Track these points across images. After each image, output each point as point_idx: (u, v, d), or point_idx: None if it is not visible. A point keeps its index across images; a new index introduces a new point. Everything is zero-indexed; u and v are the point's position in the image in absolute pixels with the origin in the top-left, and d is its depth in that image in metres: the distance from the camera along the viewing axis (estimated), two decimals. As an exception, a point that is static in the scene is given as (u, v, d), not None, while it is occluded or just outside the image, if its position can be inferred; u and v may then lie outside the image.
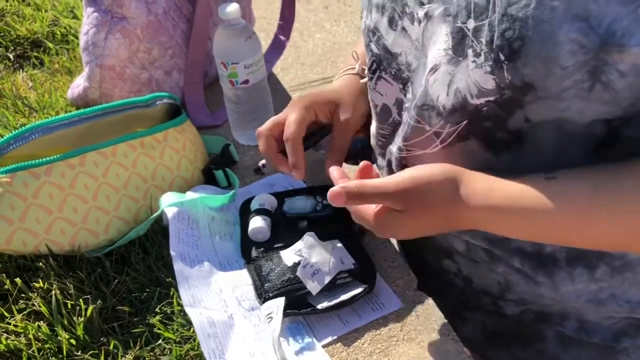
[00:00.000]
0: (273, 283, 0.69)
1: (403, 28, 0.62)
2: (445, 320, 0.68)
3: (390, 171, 0.70)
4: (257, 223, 0.77)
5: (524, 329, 0.71)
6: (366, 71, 0.70)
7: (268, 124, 0.75)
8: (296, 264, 0.69)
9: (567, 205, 0.52)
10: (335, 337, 0.67)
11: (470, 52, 0.52)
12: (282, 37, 1.15)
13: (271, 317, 0.65)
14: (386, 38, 0.64)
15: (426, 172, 0.57)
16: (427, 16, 0.57)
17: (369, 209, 0.61)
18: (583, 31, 0.45)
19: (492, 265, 0.67)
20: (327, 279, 0.68)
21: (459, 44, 0.53)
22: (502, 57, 0.50)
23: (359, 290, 0.68)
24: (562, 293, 0.64)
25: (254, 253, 0.75)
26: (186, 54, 1.01)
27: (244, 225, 0.79)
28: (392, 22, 0.63)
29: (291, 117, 0.73)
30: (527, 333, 0.71)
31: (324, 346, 0.66)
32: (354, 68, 0.80)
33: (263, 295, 0.69)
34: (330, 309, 0.67)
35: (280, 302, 0.66)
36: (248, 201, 0.82)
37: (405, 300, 0.70)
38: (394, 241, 0.82)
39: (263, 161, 0.78)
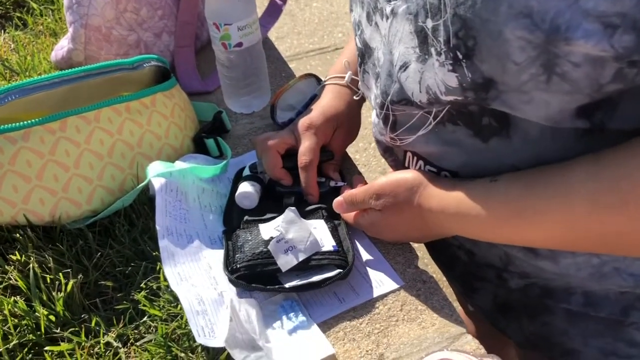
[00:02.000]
0: (244, 254, 0.65)
1: (376, 23, 0.63)
2: (448, 300, 0.65)
3: (394, 159, 0.72)
4: (245, 188, 0.73)
5: (530, 302, 0.70)
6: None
7: (276, 140, 0.75)
8: (272, 238, 0.66)
9: (502, 205, 0.55)
10: (331, 316, 0.63)
11: (433, 50, 0.53)
12: (278, 1, 1.10)
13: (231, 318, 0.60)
14: (365, 32, 0.66)
15: (399, 175, 0.65)
16: (393, 13, 0.58)
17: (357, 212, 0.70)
18: (528, 28, 0.45)
19: None
20: (300, 257, 0.64)
21: (424, 43, 0.54)
22: (460, 56, 0.50)
23: (332, 274, 0.64)
24: (562, 266, 0.63)
25: (235, 222, 0.72)
26: (176, 15, 0.95)
27: (234, 191, 0.75)
28: (369, 17, 0.65)
29: (306, 145, 0.74)
30: (533, 307, 0.70)
31: (319, 325, 0.62)
32: (343, 77, 0.81)
33: (230, 265, 0.65)
34: (298, 288, 0.63)
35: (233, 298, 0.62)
36: (243, 169, 0.78)
37: (406, 279, 0.67)
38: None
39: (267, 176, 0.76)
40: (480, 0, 0.46)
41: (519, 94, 0.50)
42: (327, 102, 0.79)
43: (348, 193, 0.69)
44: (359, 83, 0.73)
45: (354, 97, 0.80)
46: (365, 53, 0.68)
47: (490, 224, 0.57)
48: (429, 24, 0.52)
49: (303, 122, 0.76)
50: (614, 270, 0.61)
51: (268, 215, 0.71)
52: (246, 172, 0.77)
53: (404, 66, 0.58)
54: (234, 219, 0.73)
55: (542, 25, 0.44)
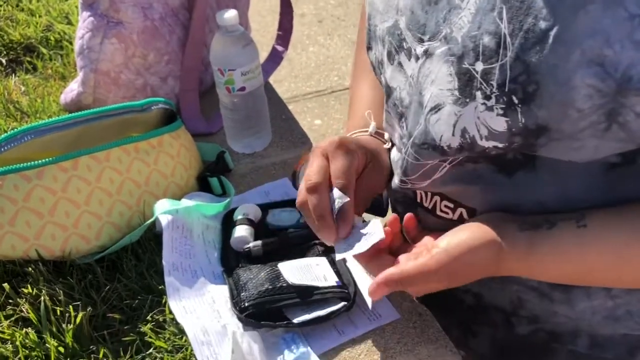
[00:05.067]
0: (250, 292, 0.67)
1: (399, 63, 0.61)
2: (443, 332, 0.67)
3: (403, 195, 0.69)
4: (240, 232, 0.76)
5: (534, 346, 0.69)
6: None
7: (319, 174, 0.61)
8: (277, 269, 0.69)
9: (602, 254, 0.53)
10: (330, 348, 0.66)
11: (478, 94, 0.51)
12: (279, 48, 1.15)
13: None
14: (386, 71, 0.64)
15: (463, 239, 0.56)
16: (427, 54, 0.56)
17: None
18: (599, 76, 0.45)
19: (506, 284, 0.65)
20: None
21: (466, 85, 0.52)
22: (515, 100, 0.49)
23: (337, 306, 0.66)
24: (577, 310, 0.63)
25: (233, 262, 0.75)
26: (182, 60, 1.00)
27: (226, 234, 0.78)
28: (390, 56, 0.62)
29: (338, 164, 0.62)
30: (537, 350, 0.69)
31: (319, 356, 0.65)
32: (367, 130, 0.73)
33: (239, 305, 0.67)
34: (306, 323, 0.66)
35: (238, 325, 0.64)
36: (232, 212, 0.81)
37: (403, 312, 0.69)
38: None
39: (249, 245, 0.75)
40: (550, 45, 0.46)
41: (572, 140, 0.49)
42: (362, 138, 0.71)
43: (399, 272, 0.57)
44: (384, 122, 0.69)
45: (384, 146, 0.72)
46: (386, 92, 0.65)
47: (585, 271, 0.55)
48: (479, 66, 0.50)
49: (330, 142, 0.64)
50: (626, 313, 0.62)
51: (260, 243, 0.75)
52: (238, 215, 0.79)
53: (436, 108, 0.56)
54: (231, 260, 0.76)
55: (614, 75, 0.44)
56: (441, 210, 0.65)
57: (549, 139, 0.50)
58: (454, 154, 0.57)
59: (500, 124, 0.51)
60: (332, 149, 0.63)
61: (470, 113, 0.53)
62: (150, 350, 0.66)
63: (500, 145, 0.53)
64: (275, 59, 1.14)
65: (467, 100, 0.52)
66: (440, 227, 0.62)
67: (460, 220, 0.63)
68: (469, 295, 0.71)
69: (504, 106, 0.50)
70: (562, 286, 0.62)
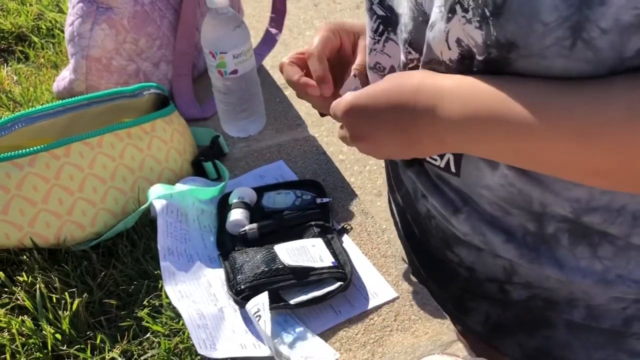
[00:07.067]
0: (245, 275, 0.67)
1: None
2: (440, 310, 0.67)
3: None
4: (235, 216, 0.76)
5: (530, 317, 0.69)
6: (368, 35, 0.69)
7: (290, 55, 0.76)
8: (272, 251, 0.69)
9: (528, 104, 0.50)
10: (327, 328, 0.66)
11: (458, 7, 0.53)
12: (273, 30, 1.14)
13: (259, 316, 0.63)
14: None
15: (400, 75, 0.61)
16: None
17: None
18: None
19: (497, 257, 0.65)
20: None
21: (447, 1, 0.54)
22: (487, 13, 0.50)
23: (333, 287, 0.67)
24: (567, 272, 0.62)
25: (229, 246, 0.75)
26: (174, 45, 0.99)
27: (222, 218, 0.78)
28: None
29: (315, 38, 0.74)
30: (534, 321, 0.69)
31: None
32: None
33: (235, 287, 0.67)
34: (303, 304, 0.66)
35: (264, 298, 0.64)
36: (227, 195, 0.81)
37: (399, 290, 0.69)
38: (397, 240, 0.81)
39: (245, 228, 0.75)
40: None
41: (540, 58, 0.49)
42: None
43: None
44: (375, 54, 0.70)
45: None
46: (391, 20, 0.65)
47: (507, 123, 0.51)
48: None
49: (319, 26, 0.75)
50: (617, 278, 0.61)
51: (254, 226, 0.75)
52: (233, 198, 0.79)
53: (432, 26, 0.57)
54: (227, 243, 0.76)
55: None
56: (430, 157, 0.65)
57: (518, 55, 0.50)
58: (456, 66, 0.57)
59: (478, 36, 0.52)
60: (317, 30, 0.75)
61: (456, 26, 0.54)
62: (148, 335, 0.66)
63: (481, 58, 0.53)
64: (269, 41, 1.14)
65: (450, 15, 0.54)
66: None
67: (447, 168, 0.63)
68: (462, 268, 0.71)
69: (479, 19, 0.51)
70: (549, 247, 0.62)
